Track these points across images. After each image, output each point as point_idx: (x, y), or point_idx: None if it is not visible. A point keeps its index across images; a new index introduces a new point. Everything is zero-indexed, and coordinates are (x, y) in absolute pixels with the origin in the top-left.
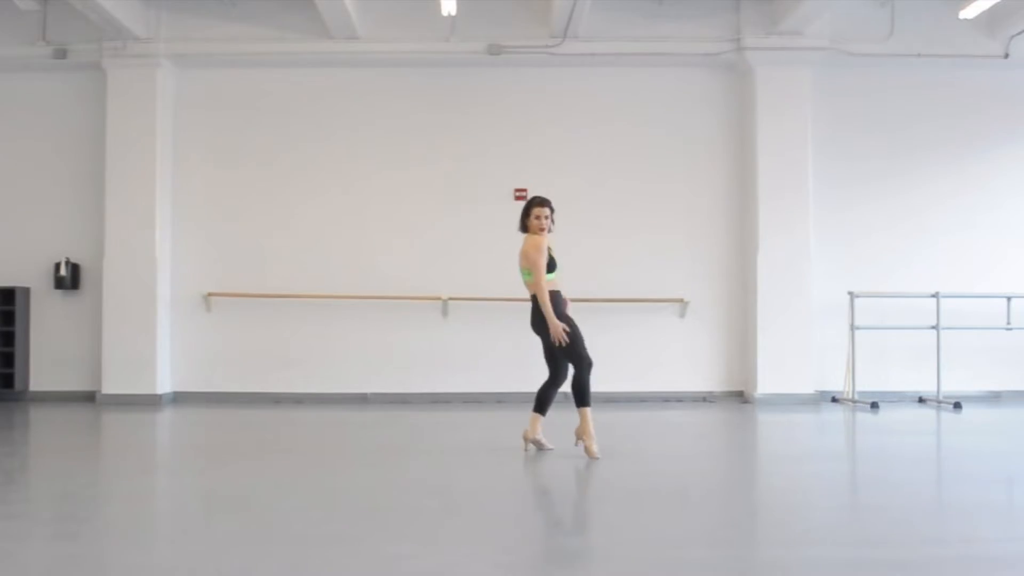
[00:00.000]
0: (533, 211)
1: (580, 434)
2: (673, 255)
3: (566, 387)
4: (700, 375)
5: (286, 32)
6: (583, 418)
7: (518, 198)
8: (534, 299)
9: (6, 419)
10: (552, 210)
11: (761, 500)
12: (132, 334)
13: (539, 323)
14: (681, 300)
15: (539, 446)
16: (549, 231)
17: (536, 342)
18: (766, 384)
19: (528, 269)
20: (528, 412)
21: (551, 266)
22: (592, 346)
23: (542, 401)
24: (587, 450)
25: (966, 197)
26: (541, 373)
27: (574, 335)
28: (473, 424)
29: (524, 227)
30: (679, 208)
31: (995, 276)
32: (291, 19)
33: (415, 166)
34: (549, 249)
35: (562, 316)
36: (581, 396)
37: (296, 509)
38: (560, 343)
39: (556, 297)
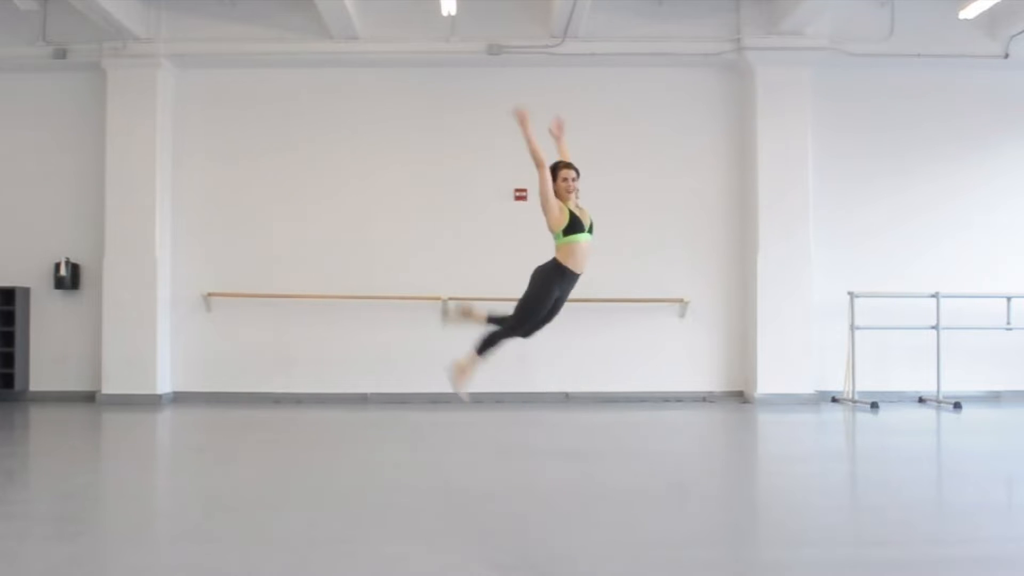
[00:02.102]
0: (561, 172)
1: (457, 365)
2: (673, 255)
3: (571, 387)
4: (700, 375)
5: (286, 32)
6: (470, 359)
7: (518, 198)
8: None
9: (6, 419)
10: (578, 174)
11: (761, 500)
12: (132, 334)
13: (534, 273)
14: (681, 300)
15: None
16: (576, 194)
17: (539, 342)
18: (766, 384)
19: (556, 232)
20: (529, 412)
21: (579, 226)
22: (592, 346)
23: (489, 342)
24: (453, 380)
25: (966, 197)
26: (541, 373)
27: (539, 295)
28: (473, 424)
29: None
30: (679, 208)
31: (995, 276)
32: (291, 19)
33: (415, 166)
34: (583, 211)
35: (556, 279)
36: (486, 344)
37: (296, 509)
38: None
39: (566, 272)
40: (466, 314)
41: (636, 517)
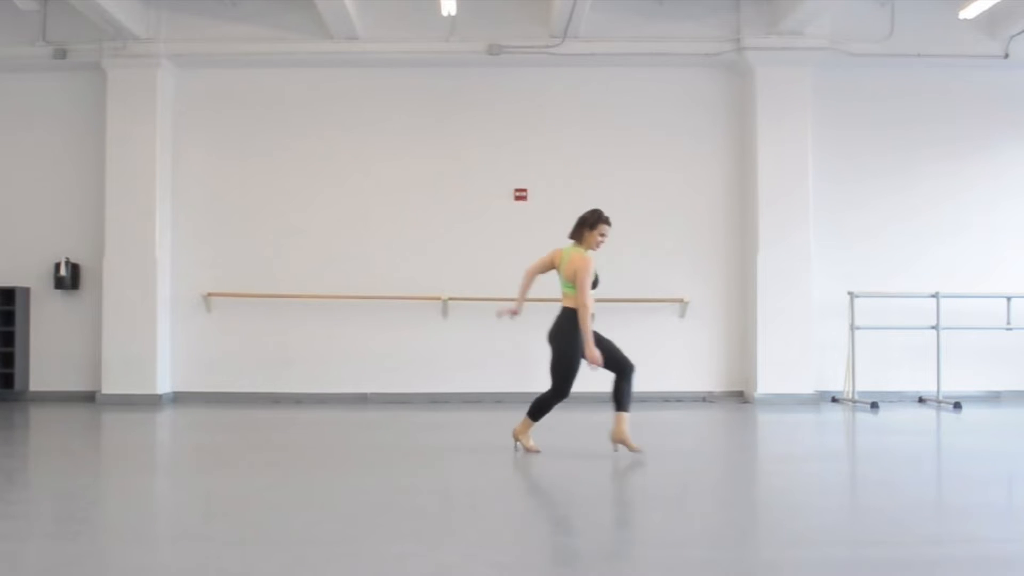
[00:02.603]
0: (599, 227)
1: (616, 437)
2: (673, 255)
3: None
4: (700, 375)
5: (286, 32)
6: (620, 421)
7: (518, 198)
8: (563, 311)
9: (6, 419)
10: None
11: (761, 500)
12: (132, 334)
13: (557, 335)
14: (681, 300)
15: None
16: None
17: (539, 342)
18: (766, 384)
19: (572, 284)
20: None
21: (594, 283)
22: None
23: (539, 409)
24: (628, 448)
25: (966, 197)
26: (540, 374)
27: (608, 346)
28: (473, 424)
29: (578, 237)
30: (679, 208)
31: (995, 276)
32: (291, 19)
33: (415, 166)
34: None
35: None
36: (539, 412)
37: (296, 509)
38: (598, 365)
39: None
40: (523, 432)
41: (636, 517)
